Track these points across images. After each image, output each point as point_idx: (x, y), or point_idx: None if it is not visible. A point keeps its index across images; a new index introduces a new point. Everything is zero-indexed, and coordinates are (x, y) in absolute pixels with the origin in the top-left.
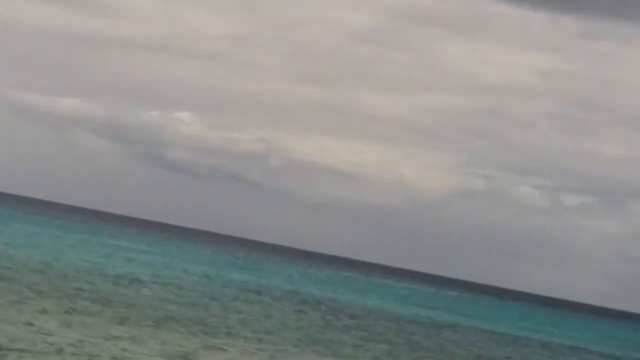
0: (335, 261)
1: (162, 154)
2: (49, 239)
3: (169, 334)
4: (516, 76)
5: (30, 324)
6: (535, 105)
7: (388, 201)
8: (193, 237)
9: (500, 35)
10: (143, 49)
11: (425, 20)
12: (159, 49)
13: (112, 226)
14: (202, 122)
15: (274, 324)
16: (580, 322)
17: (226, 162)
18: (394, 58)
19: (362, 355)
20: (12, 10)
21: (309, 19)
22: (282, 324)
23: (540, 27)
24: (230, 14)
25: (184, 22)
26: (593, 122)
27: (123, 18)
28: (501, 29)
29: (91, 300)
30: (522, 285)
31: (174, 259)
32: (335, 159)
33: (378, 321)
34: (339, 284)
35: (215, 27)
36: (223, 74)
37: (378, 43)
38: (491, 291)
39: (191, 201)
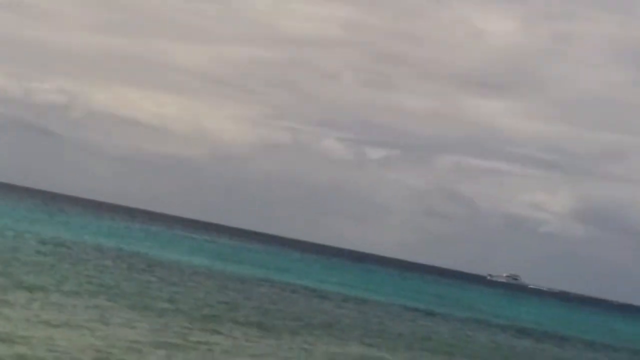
0: (139, 214)
1: None
2: None
3: None
4: (320, 28)
5: None
6: (339, 58)
7: (191, 153)
8: None
9: None
10: None
11: None
12: None
13: None
14: None
15: (79, 277)
16: (385, 276)
17: (25, 113)
18: (197, 9)
19: (174, 310)
20: None
21: None
22: (87, 277)
23: None
24: None
25: None
26: (397, 75)
27: None
28: None
29: None
30: (328, 239)
31: None
32: (138, 111)
33: (187, 275)
34: (143, 237)
35: None
36: (21, 23)
37: None
38: (298, 245)
39: None
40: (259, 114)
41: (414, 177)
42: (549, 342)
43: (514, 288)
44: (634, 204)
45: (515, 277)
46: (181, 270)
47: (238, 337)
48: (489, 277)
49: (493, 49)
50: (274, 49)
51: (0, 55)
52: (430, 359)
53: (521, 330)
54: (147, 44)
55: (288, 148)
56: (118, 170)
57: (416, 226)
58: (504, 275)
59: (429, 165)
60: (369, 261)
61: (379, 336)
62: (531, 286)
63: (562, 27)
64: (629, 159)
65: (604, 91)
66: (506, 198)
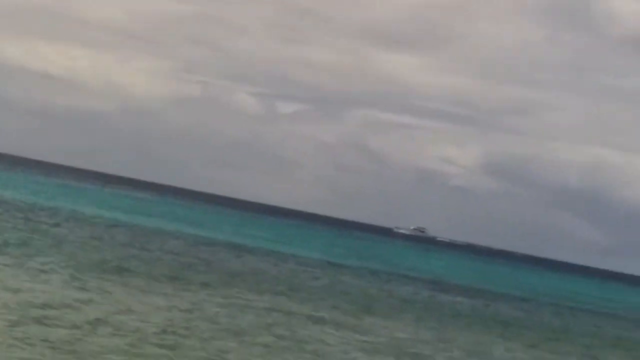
0: (50, 168)
1: None
2: None
3: None
4: None
5: None
6: (251, 12)
7: (102, 107)
8: None
9: None
10: None
11: None
12: None
13: None
14: None
15: None
16: (297, 229)
17: None
18: None
19: (91, 264)
20: None
21: None
22: None
23: None
24: None
25: None
26: (309, 29)
27: None
28: None
29: None
30: (240, 193)
31: None
32: (49, 64)
33: (101, 229)
34: (56, 191)
35: None
36: None
37: None
38: (210, 199)
39: None
40: (171, 68)
41: (325, 131)
42: (463, 295)
43: (421, 240)
44: (540, 158)
45: (421, 230)
46: (95, 224)
47: (156, 291)
48: (395, 230)
49: (404, 4)
50: (186, 2)
51: None
52: (350, 312)
53: (434, 283)
54: None
55: (199, 102)
56: (29, 124)
57: (327, 180)
58: (411, 227)
59: (339, 119)
60: (280, 215)
61: (295, 289)
62: (439, 239)
63: None
64: (538, 113)
65: (515, 47)
66: (416, 152)
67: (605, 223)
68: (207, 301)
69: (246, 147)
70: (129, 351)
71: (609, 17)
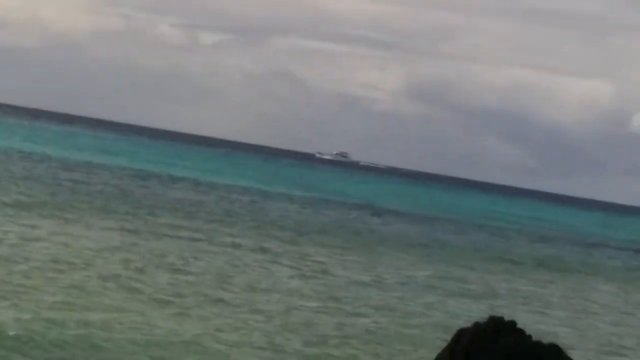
0: None
1: None
2: None
3: None
4: None
5: None
6: None
7: (25, 42)
8: None
9: None
10: None
11: None
12: None
13: None
14: None
15: None
16: (223, 158)
17: None
18: None
19: (34, 195)
20: None
21: None
22: None
23: None
24: None
25: None
26: None
27: None
28: None
29: None
30: (166, 124)
31: None
32: None
33: (28, 163)
34: None
35: None
36: None
37: None
38: (135, 130)
39: None
40: (93, 1)
41: (249, 60)
42: (392, 218)
43: (344, 165)
44: (462, 82)
45: (344, 155)
46: (26, 160)
47: (95, 225)
48: (318, 155)
49: None
50: None
51: None
52: (283, 238)
53: (361, 207)
54: None
55: (122, 35)
56: None
57: (251, 108)
58: (334, 152)
59: (263, 48)
60: (207, 144)
61: (229, 218)
62: (362, 163)
63: None
64: (459, 37)
65: None
66: (340, 78)
67: (527, 143)
68: (147, 232)
69: (171, 78)
70: (78, 286)
71: None
